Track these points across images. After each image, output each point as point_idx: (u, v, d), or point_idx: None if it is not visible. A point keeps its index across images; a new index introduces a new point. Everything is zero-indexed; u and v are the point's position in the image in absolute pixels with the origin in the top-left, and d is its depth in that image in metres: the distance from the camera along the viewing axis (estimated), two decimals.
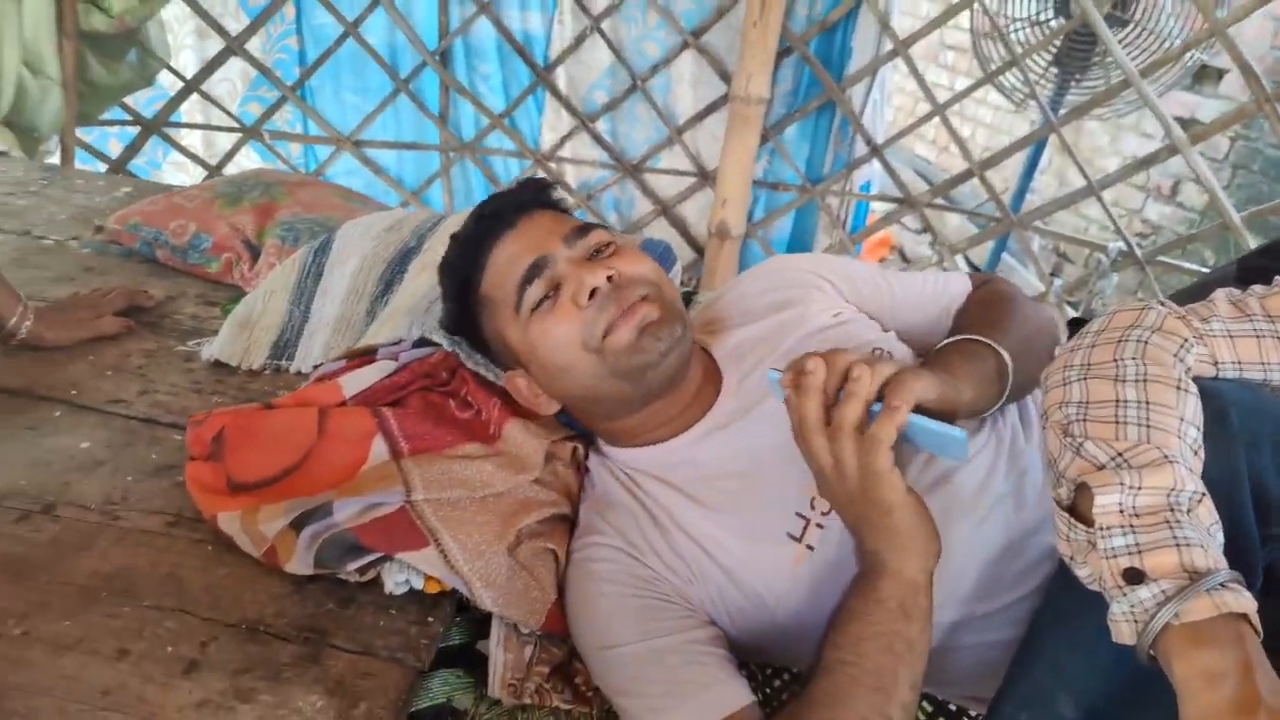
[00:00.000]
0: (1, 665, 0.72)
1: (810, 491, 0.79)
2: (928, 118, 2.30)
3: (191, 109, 2.40)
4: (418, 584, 0.80)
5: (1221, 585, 0.53)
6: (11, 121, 1.87)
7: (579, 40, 2.39)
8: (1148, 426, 0.60)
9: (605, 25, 2.36)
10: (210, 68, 2.31)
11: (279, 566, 0.81)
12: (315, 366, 1.13)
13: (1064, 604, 0.70)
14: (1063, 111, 2.25)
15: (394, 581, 0.80)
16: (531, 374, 0.88)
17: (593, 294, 0.81)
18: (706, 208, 2.51)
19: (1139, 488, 0.57)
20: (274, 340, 1.18)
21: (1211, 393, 0.63)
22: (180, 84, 2.30)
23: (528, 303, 0.84)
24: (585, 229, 0.86)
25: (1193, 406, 0.61)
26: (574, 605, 0.83)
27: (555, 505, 0.90)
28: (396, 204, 2.26)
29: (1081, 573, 0.61)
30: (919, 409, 0.67)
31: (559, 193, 0.96)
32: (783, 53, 2.27)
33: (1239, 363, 0.66)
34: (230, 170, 2.45)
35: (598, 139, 2.52)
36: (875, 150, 2.37)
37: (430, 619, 0.80)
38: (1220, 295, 0.71)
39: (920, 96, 3.97)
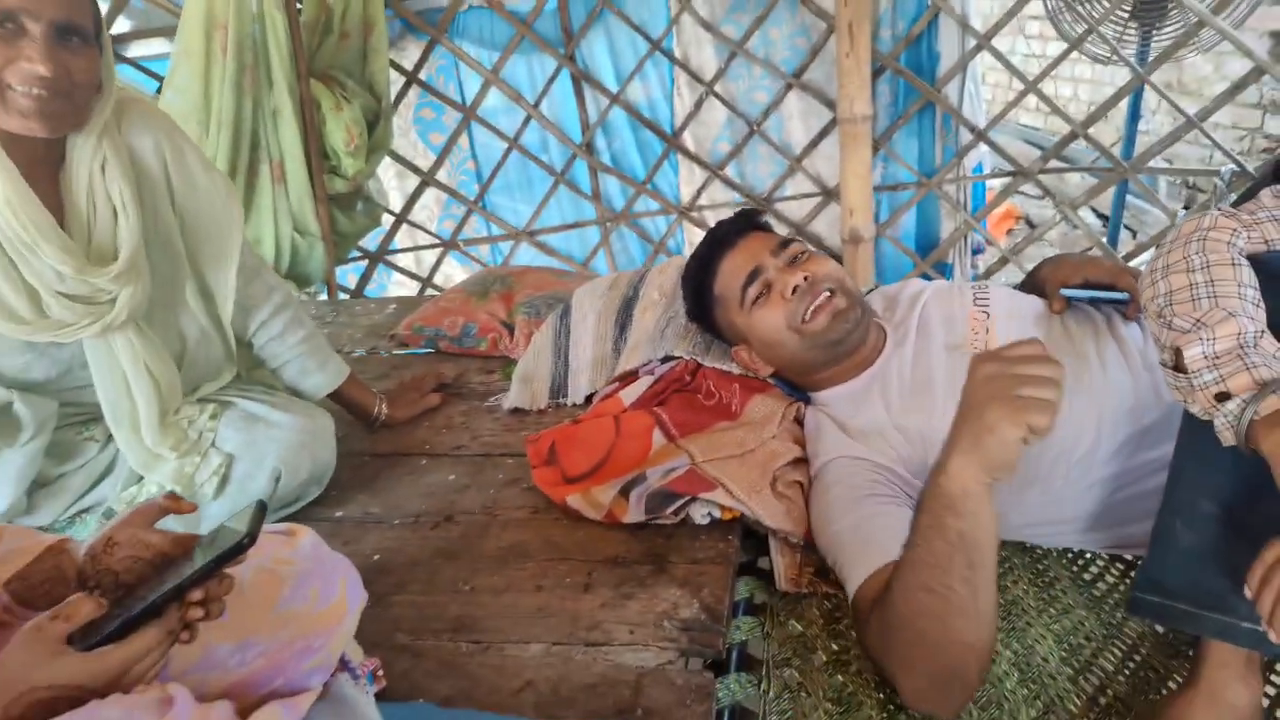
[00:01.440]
0: (467, 608, 1.11)
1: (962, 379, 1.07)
2: (1022, 95, 2.52)
3: (402, 236, 2.96)
4: (716, 514, 1.15)
5: None
6: (290, 275, 2.44)
7: (698, 105, 2.78)
8: (1214, 296, 0.87)
9: (717, 88, 2.74)
10: (411, 201, 2.87)
11: (618, 521, 1.18)
12: (587, 397, 1.52)
13: (1189, 438, 0.95)
14: (1151, 59, 2.41)
15: (700, 515, 1.15)
16: (752, 347, 1.25)
17: (794, 290, 1.16)
18: (836, 220, 2.81)
19: (1214, 338, 0.84)
20: (549, 386, 1.59)
21: (1264, 260, 0.89)
22: (391, 219, 2.85)
23: (749, 299, 1.21)
24: (786, 242, 1.22)
25: (1247, 274, 0.87)
26: (812, 502, 1.15)
27: (792, 451, 1.23)
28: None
29: (1193, 409, 0.87)
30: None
31: (765, 217, 1.34)
32: (876, 71, 2.56)
33: None
34: (439, 279, 2.98)
35: (728, 183, 2.88)
36: (979, 135, 2.61)
37: (730, 535, 1.14)
38: (1266, 192, 0.97)
39: (1030, 70, 4.12)
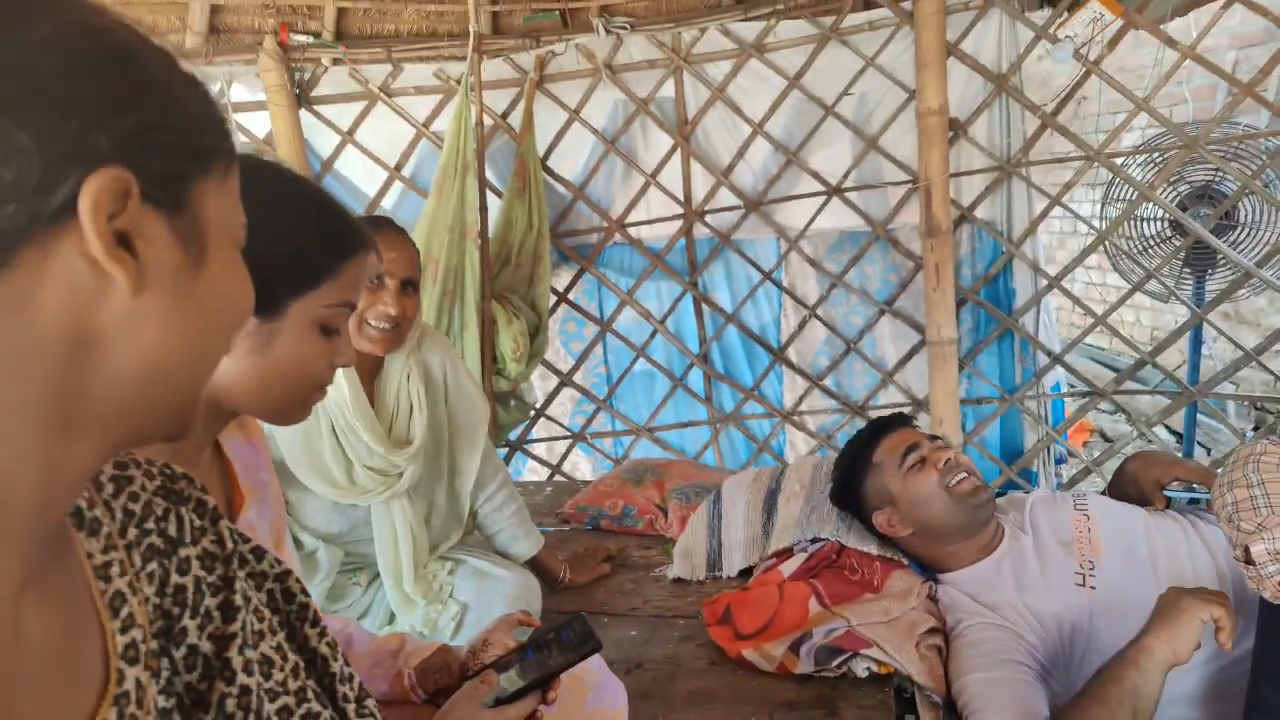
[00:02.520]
0: None
1: (1075, 567, 1.37)
2: (1092, 327, 2.90)
3: (537, 428, 3.39)
4: (874, 668, 1.41)
5: None
6: None
7: (801, 325, 3.23)
8: (1270, 506, 1.16)
9: (819, 311, 3.20)
10: (550, 398, 3.32)
11: (789, 672, 1.44)
12: (741, 571, 1.82)
13: (1266, 620, 1.21)
14: (1207, 299, 2.79)
15: (860, 669, 1.41)
16: (897, 508, 1.55)
17: (945, 462, 1.50)
18: (925, 429, 3.13)
19: (1274, 537, 1.13)
20: (706, 561, 1.89)
21: None
22: (533, 413, 3.30)
23: (907, 464, 1.54)
24: (934, 436, 1.57)
25: None
26: (952, 659, 1.40)
27: (929, 621, 1.49)
28: None
29: (1265, 595, 1.14)
30: None
31: (913, 419, 1.71)
32: (959, 303, 2.98)
33: None
34: (566, 466, 3.36)
35: (827, 391, 3.26)
36: (1055, 359, 2.96)
37: (886, 687, 1.39)
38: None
39: (1084, 297, 4.55)
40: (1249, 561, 1.15)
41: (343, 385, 1.50)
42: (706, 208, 3.15)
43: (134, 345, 0.44)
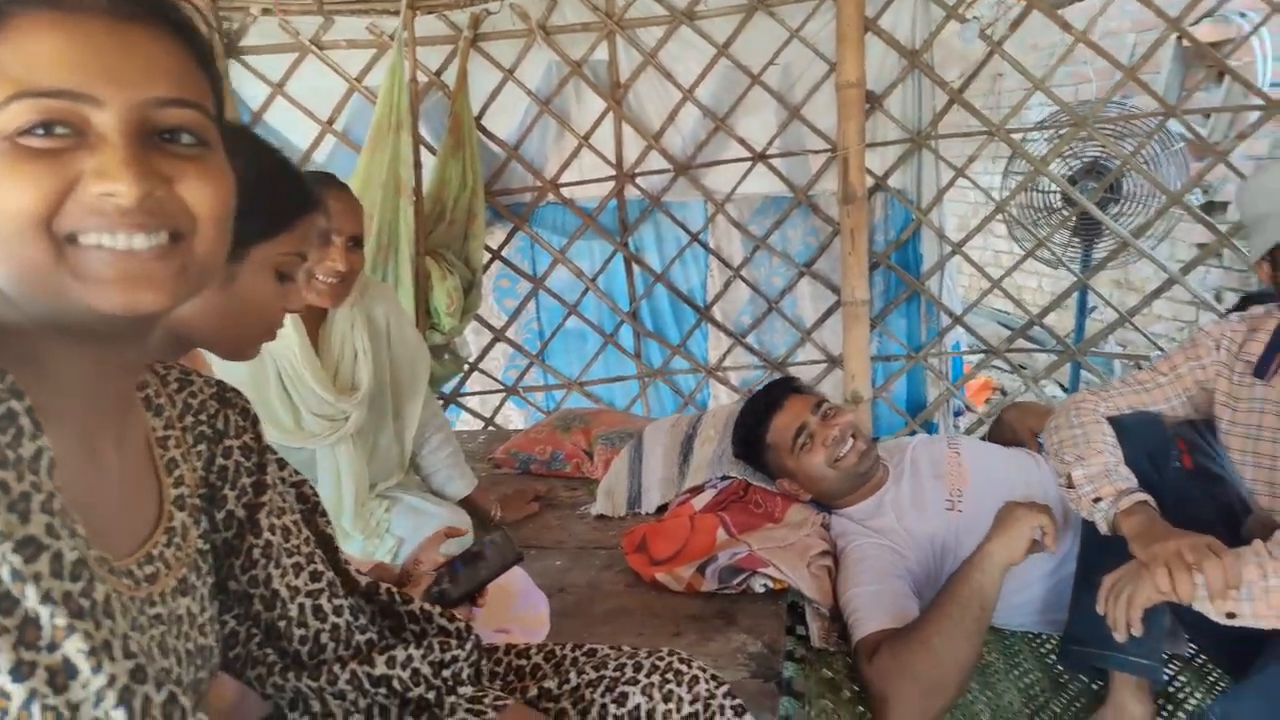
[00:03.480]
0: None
1: (946, 494, 1.60)
2: (988, 291, 3.15)
3: (471, 382, 3.49)
4: (770, 585, 1.60)
5: (1135, 491, 1.29)
6: None
7: (726, 285, 3.39)
8: (1088, 442, 1.38)
9: (743, 273, 3.36)
10: (484, 353, 3.42)
11: (696, 591, 1.62)
12: (658, 507, 1.99)
13: (1087, 539, 1.44)
14: (1093, 263, 3.05)
15: (758, 585, 1.60)
16: (796, 480, 1.73)
17: (831, 439, 1.67)
18: (839, 383, 3.34)
19: (1090, 464, 1.34)
20: (626, 499, 2.06)
21: (1117, 421, 1.41)
22: (466, 366, 3.40)
23: (798, 447, 1.71)
24: (820, 402, 1.74)
25: (1106, 428, 1.39)
26: (840, 574, 1.60)
27: (821, 545, 1.69)
28: None
29: (1081, 513, 1.36)
30: None
31: (798, 382, 1.85)
32: (872, 265, 3.18)
33: (1131, 406, 1.44)
34: (499, 419, 3.49)
35: (749, 349, 3.45)
36: (956, 319, 3.20)
37: (780, 600, 1.59)
38: (1116, 380, 1.50)
39: (990, 263, 4.84)
40: (1070, 486, 1.37)
41: (291, 336, 1.60)
42: (637, 170, 3.26)
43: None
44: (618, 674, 0.81)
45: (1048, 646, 1.67)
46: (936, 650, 1.35)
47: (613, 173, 3.26)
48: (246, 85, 2.96)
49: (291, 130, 3.06)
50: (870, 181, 3.08)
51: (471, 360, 3.43)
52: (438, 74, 3.09)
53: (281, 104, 3.00)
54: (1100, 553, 1.36)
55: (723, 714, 0.80)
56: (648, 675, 0.81)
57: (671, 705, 0.79)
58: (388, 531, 1.76)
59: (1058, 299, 3.06)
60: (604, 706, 0.79)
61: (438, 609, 0.79)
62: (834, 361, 3.37)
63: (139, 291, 0.54)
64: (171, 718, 0.61)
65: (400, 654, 0.74)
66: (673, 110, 3.17)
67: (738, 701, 0.82)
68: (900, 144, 3.08)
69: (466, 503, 1.97)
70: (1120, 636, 1.19)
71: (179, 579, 0.64)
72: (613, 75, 3.18)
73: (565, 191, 3.28)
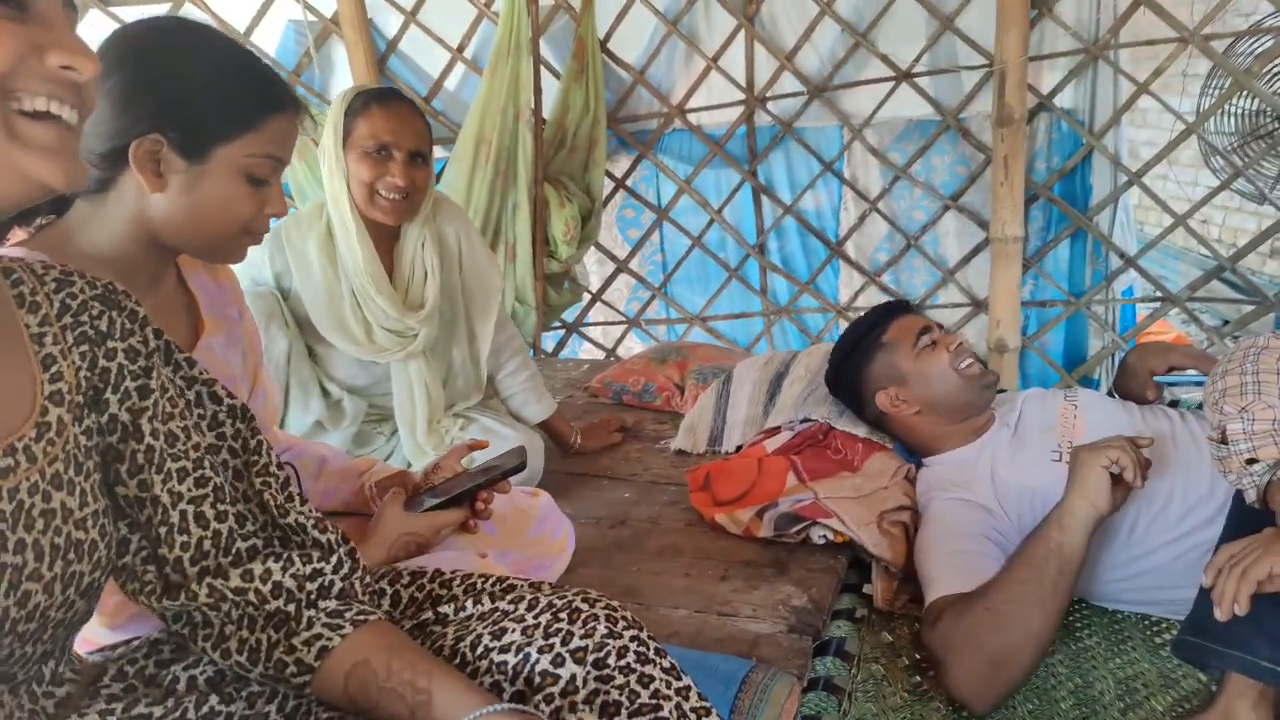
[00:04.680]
0: (634, 581, 1.48)
1: (1053, 446, 1.43)
2: (1170, 229, 2.70)
3: (594, 312, 3.50)
4: (830, 537, 1.47)
5: None
6: None
7: (861, 218, 3.15)
8: (1259, 394, 1.13)
9: (880, 205, 3.10)
10: (606, 283, 3.41)
11: (753, 536, 1.53)
12: (737, 446, 1.89)
13: (1233, 515, 1.20)
14: None
15: (817, 536, 1.48)
16: (906, 385, 1.58)
17: (958, 346, 1.55)
18: (983, 330, 3.04)
19: (1254, 419, 1.10)
20: (708, 436, 1.97)
21: None
22: (588, 297, 3.40)
23: (920, 344, 1.57)
24: (942, 326, 1.61)
25: None
26: (919, 533, 1.44)
27: (899, 499, 1.53)
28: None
29: (1229, 477, 1.13)
30: None
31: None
32: (1030, 199, 2.83)
33: None
34: (621, 351, 3.48)
35: (884, 288, 3.20)
36: (1129, 261, 2.79)
37: (839, 555, 1.46)
38: None
39: (1179, 199, 4.20)
40: (1223, 441, 1.14)
41: (357, 251, 1.63)
42: (769, 94, 3.06)
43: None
44: (510, 608, 0.75)
45: (1167, 635, 1.44)
46: (1003, 616, 1.19)
47: (742, 96, 3.08)
48: (381, 14, 3.03)
49: (425, 59, 3.12)
50: (1032, 101, 2.73)
51: (593, 290, 3.42)
52: None
53: (415, 32, 3.06)
54: (1247, 528, 1.13)
55: (623, 655, 0.71)
56: (538, 614, 0.74)
57: (555, 639, 0.71)
58: None
59: (1258, 238, 2.58)
60: (479, 635, 0.74)
61: (312, 521, 0.76)
62: (979, 305, 3.06)
63: (75, 165, 0.59)
64: (39, 622, 0.62)
65: (258, 567, 0.72)
66: (809, 26, 2.93)
67: (647, 646, 0.72)
68: (1072, 56, 2.69)
69: (547, 428, 1.97)
70: (1222, 615, 0.99)
71: (52, 474, 0.63)
72: None
73: (692, 117, 3.15)
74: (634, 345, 3.56)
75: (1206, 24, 2.43)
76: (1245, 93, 2.48)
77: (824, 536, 1.48)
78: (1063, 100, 2.77)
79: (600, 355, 3.50)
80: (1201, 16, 2.48)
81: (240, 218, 0.93)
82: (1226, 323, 2.92)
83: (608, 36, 3.05)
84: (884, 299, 3.25)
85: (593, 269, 3.43)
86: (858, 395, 1.68)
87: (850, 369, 1.68)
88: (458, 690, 0.67)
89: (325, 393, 1.73)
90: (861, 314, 1.74)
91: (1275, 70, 2.45)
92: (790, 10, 2.96)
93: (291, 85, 1.00)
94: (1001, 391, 1.71)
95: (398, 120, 1.56)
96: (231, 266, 1.64)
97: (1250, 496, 1.09)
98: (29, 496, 0.61)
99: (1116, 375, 1.62)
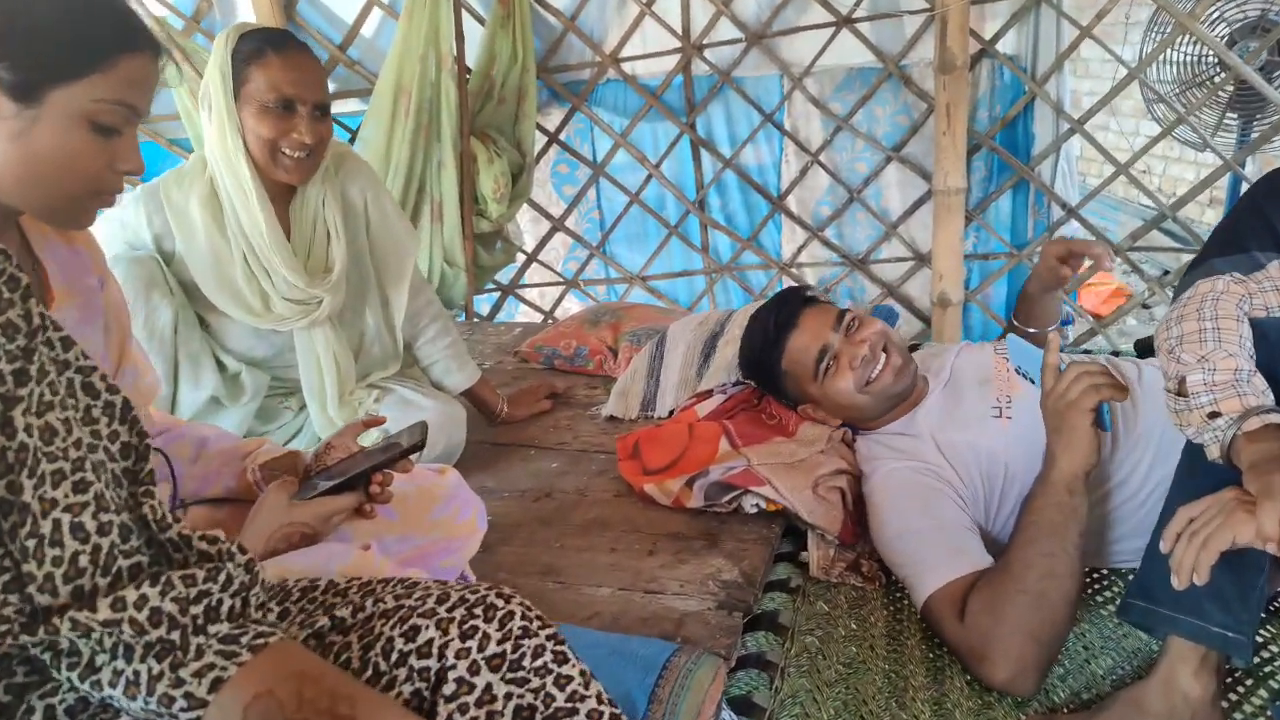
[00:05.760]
0: (556, 559, 1.39)
1: (992, 401, 1.35)
2: (1112, 177, 2.66)
3: (531, 273, 3.36)
4: (763, 505, 1.40)
5: (1270, 412, 0.98)
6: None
7: (803, 171, 3.06)
8: (1219, 341, 1.06)
9: (822, 157, 3.01)
10: (542, 243, 3.27)
11: (683, 506, 1.45)
12: (670, 411, 1.80)
13: (1185, 470, 1.14)
14: (1250, 142, 2.51)
15: (749, 505, 1.41)
16: (822, 407, 1.49)
17: (861, 359, 1.42)
18: (927, 284, 2.99)
19: (1215, 369, 1.03)
20: (640, 401, 1.88)
21: (1260, 323, 1.08)
22: (523, 258, 3.26)
23: (821, 372, 1.45)
24: (841, 314, 1.47)
25: (1246, 330, 1.06)
26: (874, 511, 1.37)
27: (835, 464, 1.46)
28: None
29: (1187, 432, 1.06)
30: None
31: (813, 291, 1.58)
32: (973, 149, 2.76)
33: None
34: (559, 313, 3.36)
35: (826, 243, 3.13)
36: (1070, 211, 2.75)
37: (772, 524, 1.39)
38: (1274, 265, 1.15)
39: (1116, 148, 4.20)
40: (1181, 394, 1.07)
41: (257, 215, 1.48)
42: (705, 41, 2.93)
43: None
44: (417, 604, 0.66)
45: (1109, 594, 1.40)
46: (1044, 596, 1.13)
47: (678, 44, 2.94)
48: None
49: (338, 3, 2.91)
50: (974, 47, 2.64)
51: (528, 251, 3.28)
52: None
53: None
54: (1200, 487, 1.07)
55: (539, 655, 0.64)
56: (450, 609, 0.65)
57: (472, 643, 0.64)
58: None
59: (1198, 185, 2.55)
60: (390, 639, 0.65)
61: (197, 534, 0.65)
62: (922, 259, 3.01)
63: None
64: None
65: (131, 594, 0.61)
66: None
67: (563, 646, 0.66)
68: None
69: (471, 396, 1.86)
70: (1179, 584, 0.94)
71: None
72: None
73: (626, 67, 3.00)
74: (572, 307, 3.44)
75: None
76: (1188, 37, 2.43)
77: (756, 505, 1.41)
78: (1005, 46, 2.70)
79: (539, 318, 3.38)
80: None
81: (84, 173, 0.79)
82: (1167, 272, 2.91)
83: None
84: (828, 255, 3.19)
85: (527, 228, 3.29)
86: (781, 398, 1.59)
87: (763, 383, 1.60)
88: (388, 717, 0.61)
89: (221, 366, 1.59)
90: (756, 314, 1.59)
91: (1216, 14, 2.40)
92: None
93: (145, 24, 0.84)
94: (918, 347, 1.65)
95: (299, 70, 1.40)
96: (105, 228, 1.50)
97: (1213, 453, 1.02)
98: None
99: (1016, 304, 1.60)
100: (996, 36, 2.65)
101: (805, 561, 1.42)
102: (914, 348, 2.00)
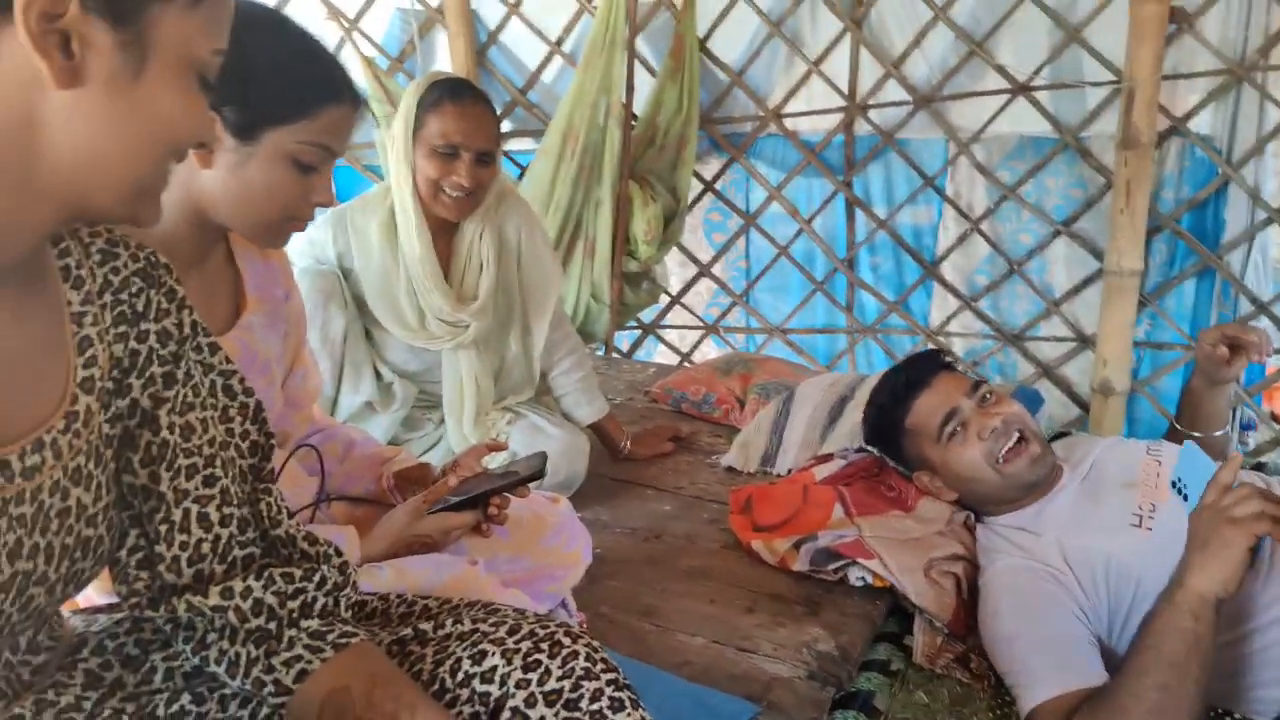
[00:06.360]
0: (657, 600, 1.42)
1: (1133, 508, 1.24)
2: None
3: (673, 315, 3.44)
4: (869, 580, 1.37)
5: None
6: (580, 330, 2.98)
7: (961, 239, 2.96)
8: None
9: (984, 225, 2.91)
10: (687, 287, 3.34)
11: (788, 567, 1.43)
12: (789, 470, 1.79)
13: None
14: None
15: (855, 577, 1.37)
16: (939, 475, 1.44)
17: (991, 431, 1.35)
18: (1088, 369, 2.80)
19: None
20: (761, 455, 1.88)
21: None
22: (667, 299, 3.34)
23: (945, 434, 1.40)
24: (976, 384, 1.41)
25: None
26: (986, 607, 1.29)
27: (952, 547, 1.40)
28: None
29: None
30: None
31: (951, 358, 1.53)
32: (1153, 230, 2.59)
33: None
34: (696, 357, 3.40)
35: (979, 314, 3.00)
36: (1261, 307, 2.51)
37: (877, 600, 1.35)
38: None
39: None
40: None
41: (415, 242, 1.63)
42: (871, 101, 2.92)
43: (71, 132, 0.53)
44: (490, 630, 0.71)
45: None
46: None
47: (843, 103, 2.95)
48: (484, 5, 3.06)
49: (524, 51, 3.13)
50: (1164, 124, 2.49)
51: (672, 293, 3.36)
52: None
53: (516, 24, 3.07)
54: None
55: (597, 699, 0.66)
56: (519, 640, 0.69)
57: (533, 675, 0.67)
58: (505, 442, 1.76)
59: None
60: (459, 660, 0.69)
61: (302, 533, 0.73)
62: (1085, 341, 2.83)
63: None
64: (34, 617, 0.61)
65: (238, 584, 0.68)
66: (920, 32, 2.77)
67: (622, 694, 0.67)
68: (1213, 76, 2.44)
69: (597, 430, 1.92)
70: None
71: (73, 469, 0.61)
72: None
73: (789, 123, 3.04)
74: (710, 351, 3.48)
75: None
76: None
77: (862, 579, 1.37)
78: (1199, 125, 2.53)
79: (675, 360, 3.43)
80: None
81: (283, 203, 0.92)
82: None
83: (708, 35, 2.98)
84: (979, 327, 3.06)
85: (674, 271, 3.37)
86: (900, 464, 1.54)
87: (884, 445, 1.55)
88: None
89: (378, 375, 1.74)
90: (887, 373, 1.56)
91: None
92: (900, 14, 2.81)
93: (348, 77, 0.96)
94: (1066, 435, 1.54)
95: (469, 120, 1.54)
96: (296, 243, 1.69)
97: None
98: (49, 496, 0.59)
99: (1179, 406, 1.46)
100: (1190, 114, 2.49)
101: (910, 646, 1.37)
102: (1062, 434, 1.90)
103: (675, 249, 3.21)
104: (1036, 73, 2.66)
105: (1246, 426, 2.78)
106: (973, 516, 1.47)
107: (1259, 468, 1.70)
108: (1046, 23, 2.61)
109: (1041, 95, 2.68)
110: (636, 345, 3.46)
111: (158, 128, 0.56)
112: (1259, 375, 2.73)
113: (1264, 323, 2.60)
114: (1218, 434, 1.51)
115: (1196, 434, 1.54)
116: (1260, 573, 1.17)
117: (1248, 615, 1.17)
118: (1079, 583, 1.25)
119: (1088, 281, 2.80)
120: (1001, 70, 2.69)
